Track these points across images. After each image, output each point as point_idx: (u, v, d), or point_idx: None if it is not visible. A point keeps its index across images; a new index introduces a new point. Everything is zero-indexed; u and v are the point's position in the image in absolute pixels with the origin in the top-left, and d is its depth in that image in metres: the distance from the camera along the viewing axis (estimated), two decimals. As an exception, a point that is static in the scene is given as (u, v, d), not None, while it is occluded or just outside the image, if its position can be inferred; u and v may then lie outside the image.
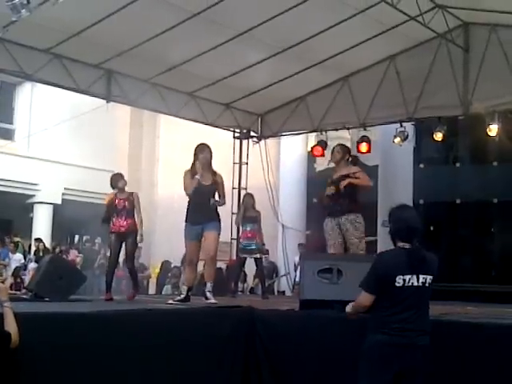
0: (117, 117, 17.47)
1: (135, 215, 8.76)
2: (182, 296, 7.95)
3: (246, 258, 10.35)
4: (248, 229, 10.12)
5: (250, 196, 10.38)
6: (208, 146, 8.17)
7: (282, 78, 11.23)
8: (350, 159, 8.21)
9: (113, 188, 9.01)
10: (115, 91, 10.55)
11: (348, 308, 4.77)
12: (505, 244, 13.99)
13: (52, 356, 5.16)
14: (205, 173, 7.85)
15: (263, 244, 10.40)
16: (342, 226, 7.89)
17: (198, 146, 8.17)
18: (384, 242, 9.90)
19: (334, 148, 8.40)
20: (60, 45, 9.46)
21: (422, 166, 14.80)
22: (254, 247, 10.05)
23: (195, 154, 7.99)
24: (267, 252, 13.10)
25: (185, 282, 8.21)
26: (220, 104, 12.10)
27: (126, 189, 8.97)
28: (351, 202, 7.91)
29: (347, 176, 7.86)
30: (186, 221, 7.76)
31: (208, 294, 7.78)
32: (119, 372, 5.60)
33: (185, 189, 7.80)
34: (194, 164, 7.91)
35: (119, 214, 8.78)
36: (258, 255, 10.13)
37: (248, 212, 10.16)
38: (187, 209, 7.81)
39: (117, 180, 8.97)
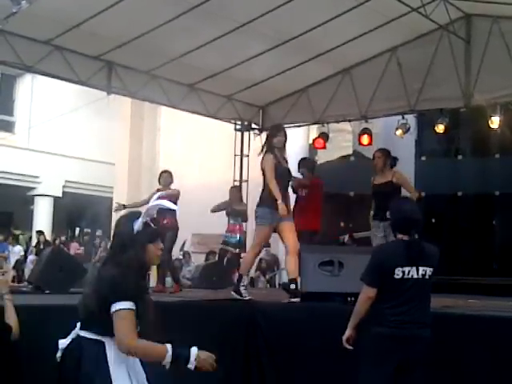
0: (117, 109, 17.46)
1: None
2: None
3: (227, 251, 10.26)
4: (231, 222, 10.07)
5: (235, 189, 10.20)
6: (282, 128, 8.02)
7: (283, 70, 11.18)
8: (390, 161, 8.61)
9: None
10: (116, 83, 10.51)
11: (347, 332, 4.71)
12: (506, 236, 13.95)
13: (52, 349, 5.16)
14: (283, 155, 7.75)
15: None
16: (387, 228, 8.01)
17: (272, 127, 8.17)
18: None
19: (374, 154, 8.64)
20: (60, 36, 9.42)
21: (423, 158, 14.76)
22: (229, 240, 9.98)
23: (269, 137, 7.80)
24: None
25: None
26: (221, 96, 12.06)
27: (172, 186, 9.21)
28: None
29: (391, 182, 8.35)
30: (264, 204, 7.53)
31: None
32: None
33: (270, 172, 7.55)
34: (270, 148, 7.69)
35: (160, 212, 8.96)
36: (231, 249, 10.04)
37: (234, 205, 10.05)
38: (265, 193, 7.59)
39: (161, 177, 9.21)
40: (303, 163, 9.73)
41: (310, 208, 9.13)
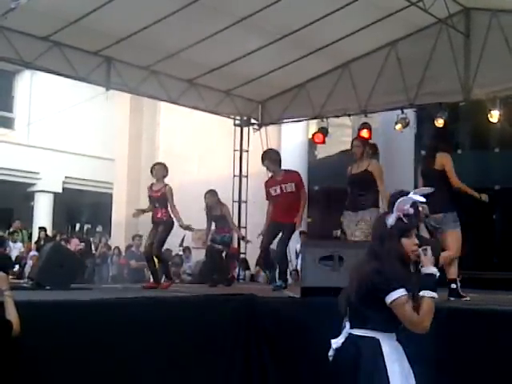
0: (117, 104, 17.44)
1: (169, 207, 8.90)
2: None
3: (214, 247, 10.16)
4: (219, 225, 9.96)
5: (210, 194, 9.90)
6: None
7: (282, 65, 11.18)
8: (370, 150, 8.35)
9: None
10: (114, 79, 10.50)
11: None
12: (506, 231, 13.97)
13: (53, 344, 5.17)
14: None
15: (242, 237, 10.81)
16: (360, 220, 7.94)
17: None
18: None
19: (352, 142, 8.50)
20: (59, 32, 9.41)
21: (423, 152, 14.73)
22: (216, 238, 9.93)
23: (446, 137, 8.03)
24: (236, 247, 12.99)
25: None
26: (220, 91, 12.06)
27: (166, 180, 9.11)
28: (372, 196, 8.03)
29: (366, 171, 8.03)
30: (454, 208, 7.51)
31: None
32: (120, 359, 5.61)
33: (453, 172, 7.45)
34: (447, 147, 7.66)
35: (154, 205, 8.95)
36: (219, 246, 9.99)
37: (213, 211, 9.89)
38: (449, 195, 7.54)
39: (153, 169, 9.11)
40: (267, 155, 9.08)
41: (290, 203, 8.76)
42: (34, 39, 9.47)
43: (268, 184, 8.97)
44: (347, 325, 3.69)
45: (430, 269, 3.60)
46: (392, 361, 3.53)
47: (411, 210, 3.66)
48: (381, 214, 3.79)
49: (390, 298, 3.49)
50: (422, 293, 3.53)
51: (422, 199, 3.75)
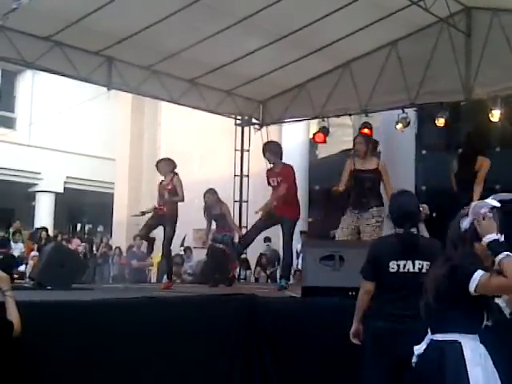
0: (118, 104, 17.47)
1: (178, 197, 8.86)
2: None
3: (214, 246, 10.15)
4: (220, 224, 9.96)
5: (210, 193, 9.87)
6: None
7: (283, 65, 11.19)
8: (371, 146, 8.39)
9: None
10: (116, 78, 10.52)
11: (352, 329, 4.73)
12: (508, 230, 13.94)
13: (54, 345, 5.17)
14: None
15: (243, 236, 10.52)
16: (360, 219, 7.94)
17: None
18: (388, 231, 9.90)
19: (355, 138, 8.49)
20: (60, 32, 9.43)
21: (424, 152, 14.76)
22: (217, 237, 9.92)
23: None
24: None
25: None
26: (221, 91, 12.07)
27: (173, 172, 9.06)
28: (376, 195, 8.04)
29: (377, 170, 8.09)
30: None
31: None
32: (121, 359, 5.61)
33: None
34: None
35: (161, 198, 8.93)
36: (219, 245, 9.99)
37: (212, 210, 9.89)
38: None
39: (158, 167, 9.13)
40: (268, 147, 9.01)
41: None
42: (35, 39, 9.48)
43: (268, 173, 9.00)
44: (429, 331, 3.64)
45: (491, 236, 3.46)
46: (474, 365, 3.44)
47: (489, 214, 3.55)
48: (457, 218, 3.70)
49: (474, 281, 3.38)
50: (496, 259, 3.38)
51: (498, 204, 3.68)
